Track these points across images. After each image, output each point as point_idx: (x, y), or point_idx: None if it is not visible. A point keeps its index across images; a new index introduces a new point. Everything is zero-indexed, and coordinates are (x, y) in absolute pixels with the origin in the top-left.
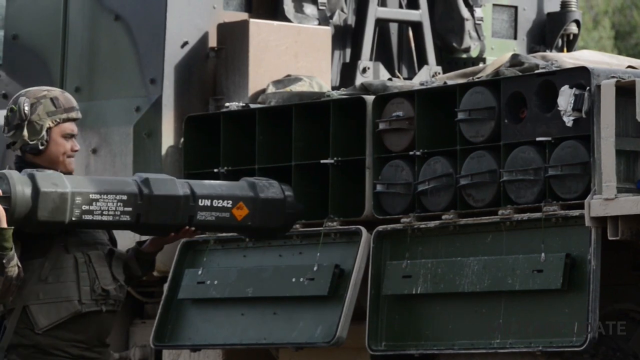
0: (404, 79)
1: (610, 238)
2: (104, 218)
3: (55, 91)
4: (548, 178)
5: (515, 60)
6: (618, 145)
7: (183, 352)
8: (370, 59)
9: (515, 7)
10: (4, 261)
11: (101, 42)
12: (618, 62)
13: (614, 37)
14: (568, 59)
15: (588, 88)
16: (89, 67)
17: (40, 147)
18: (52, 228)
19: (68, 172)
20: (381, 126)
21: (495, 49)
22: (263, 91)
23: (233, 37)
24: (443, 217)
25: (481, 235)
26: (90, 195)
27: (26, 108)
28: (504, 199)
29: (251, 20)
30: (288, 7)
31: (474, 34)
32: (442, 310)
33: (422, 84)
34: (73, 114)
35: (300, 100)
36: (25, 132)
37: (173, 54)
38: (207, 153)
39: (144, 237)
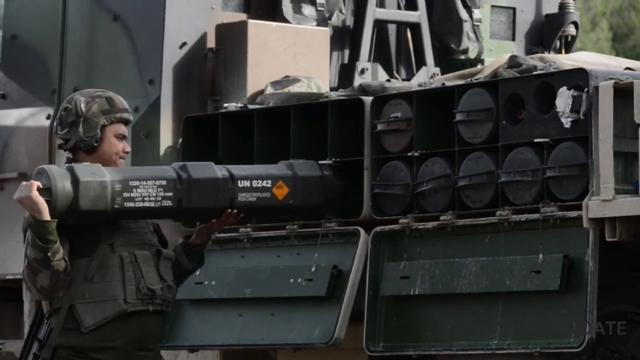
0: (402, 80)
1: (608, 239)
2: (146, 204)
3: (109, 92)
4: (546, 179)
5: (513, 62)
6: (616, 146)
7: (181, 353)
8: (369, 60)
9: (514, 9)
10: (49, 254)
11: (100, 42)
12: (616, 64)
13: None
14: (566, 61)
15: (586, 89)
16: (88, 67)
17: (95, 144)
18: (95, 218)
19: None
20: (379, 127)
21: (493, 50)
22: (261, 92)
23: (231, 38)
24: (441, 218)
25: (479, 236)
26: (130, 182)
27: (82, 105)
28: (502, 200)
29: (250, 21)
30: (286, 8)
31: (472, 35)
32: (440, 311)
33: (420, 85)
34: (126, 115)
35: (299, 101)
36: (81, 129)
37: (171, 55)
38: (206, 153)
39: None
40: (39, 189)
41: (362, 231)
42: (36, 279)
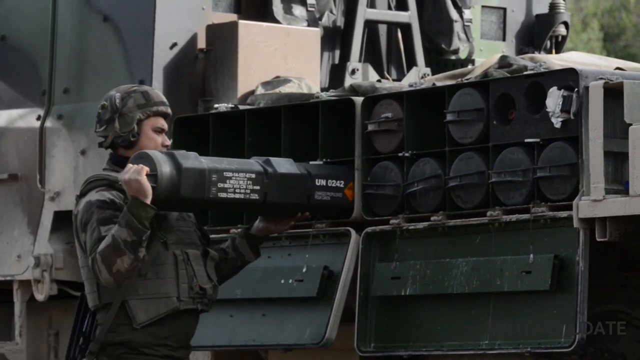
0: (393, 80)
1: (598, 239)
2: (236, 196)
3: (145, 86)
4: (536, 179)
5: (503, 62)
6: (606, 146)
7: None
8: (359, 61)
9: (504, 9)
10: (143, 238)
11: (90, 43)
12: (606, 64)
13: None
14: (556, 61)
15: (576, 89)
16: (78, 68)
17: (132, 139)
18: (193, 206)
19: None
20: (370, 127)
21: (484, 50)
22: (252, 92)
23: (222, 39)
24: (432, 218)
25: (470, 236)
26: (224, 173)
27: (117, 101)
28: (493, 201)
29: (240, 21)
30: (277, 8)
31: (462, 35)
32: (430, 312)
33: (411, 86)
34: (163, 108)
35: (290, 101)
36: (117, 125)
37: (162, 55)
38: (200, 149)
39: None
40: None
41: (353, 232)
42: (116, 261)
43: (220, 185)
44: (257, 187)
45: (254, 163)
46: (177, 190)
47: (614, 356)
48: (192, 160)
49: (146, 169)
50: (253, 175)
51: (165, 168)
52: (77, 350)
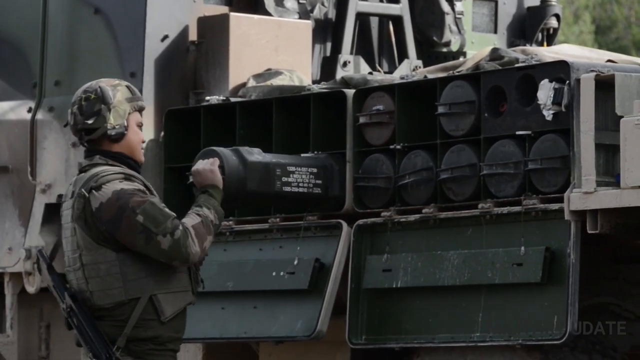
0: (385, 72)
1: (589, 231)
2: (300, 190)
3: (123, 81)
4: (528, 172)
5: (495, 54)
6: (597, 139)
7: None
8: (351, 53)
9: (496, 1)
10: (220, 224)
11: (81, 35)
12: (598, 57)
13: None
14: (548, 53)
15: (568, 82)
16: (69, 61)
17: (125, 132)
18: (259, 200)
19: (140, 163)
20: (361, 120)
21: (475, 42)
22: (243, 85)
23: (213, 31)
24: (423, 210)
25: (461, 228)
26: (288, 167)
27: (110, 93)
28: (484, 193)
29: (231, 14)
30: (268, 0)
31: (454, 28)
32: (422, 304)
33: (402, 78)
34: (143, 103)
35: (281, 94)
36: (111, 117)
37: (153, 48)
38: (188, 147)
39: None
40: None
41: (344, 224)
42: (207, 238)
43: (285, 179)
44: (320, 182)
45: (311, 157)
46: (244, 184)
47: (605, 348)
48: (256, 155)
49: (217, 161)
50: (315, 170)
51: (233, 162)
52: (108, 351)
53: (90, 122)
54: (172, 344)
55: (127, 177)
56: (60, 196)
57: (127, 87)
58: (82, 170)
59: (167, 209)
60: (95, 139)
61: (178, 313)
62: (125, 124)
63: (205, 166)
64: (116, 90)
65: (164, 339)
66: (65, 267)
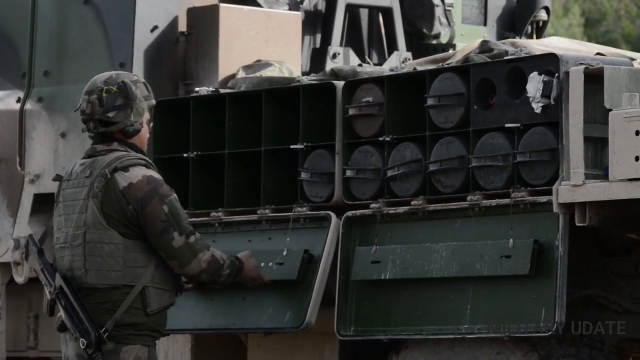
0: (374, 65)
1: (578, 224)
2: None
3: (140, 77)
4: (517, 164)
5: (485, 47)
6: (586, 132)
7: None
8: (341, 45)
9: None
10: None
11: (70, 26)
12: (587, 50)
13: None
14: (537, 46)
15: (557, 75)
16: (58, 51)
17: (141, 129)
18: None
19: None
20: (351, 112)
21: (465, 35)
22: (233, 76)
23: (203, 22)
24: (412, 203)
25: (450, 221)
26: None
27: (134, 89)
28: (473, 185)
29: (221, 5)
30: None
31: (444, 20)
32: (410, 296)
33: (392, 70)
34: (154, 101)
35: (271, 85)
36: (132, 114)
37: (143, 39)
38: (177, 138)
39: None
40: None
41: (333, 216)
42: (209, 275)
43: None
44: None
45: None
46: None
47: (593, 341)
48: None
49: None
50: None
51: None
52: (98, 331)
53: (111, 115)
54: (152, 333)
55: (150, 166)
56: (59, 176)
57: (145, 84)
58: (97, 154)
59: (190, 224)
60: (112, 132)
61: (161, 311)
62: (142, 121)
63: (255, 271)
64: (137, 87)
65: (145, 327)
66: (60, 244)
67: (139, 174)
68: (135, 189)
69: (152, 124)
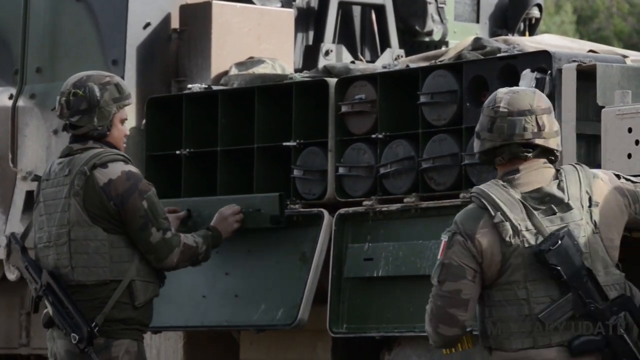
0: (367, 61)
1: None
2: None
3: (115, 77)
4: None
5: (477, 44)
6: (579, 129)
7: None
8: (333, 42)
9: None
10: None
11: (63, 22)
12: (579, 47)
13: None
14: (530, 43)
15: (549, 72)
16: (51, 48)
17: (107, 132)
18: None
19: None
20: (344, 109)
21: (457, 32)
22: (225, 73)
23: (196, 19)
24: (405, 200)
25: (442, 218)
26: None
27: (97, 94)
28: (466, 182)
29: (214, 1)
30: None
31: (436, 17)
32: (403, 293)
33: (384, 67)
34: (130, 100)
35: (263, 82)
36: (95, 118)
37: (135, 35)
38: (169, 135)
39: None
40: None
41: (325, 213)
42: (186, 263)
43: None
44: None
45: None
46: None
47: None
48: None
49: (239, 211)
50: None
51: None
52: (89, 326)
53: (74, 119)
54: (141, 327)
55: (128, 161)
56: (37, 177)
57: (116, 85)
58: (73, 152)
59: (167, 220)
60: (80, 134)
61: (146, 303)
62: (110, 124)
63: (228, 213)
64: (104, 89)
65: (134, 322)
66: (42, 243)
67: (117, 169)
68: (115, 184)
69: (144, 120)
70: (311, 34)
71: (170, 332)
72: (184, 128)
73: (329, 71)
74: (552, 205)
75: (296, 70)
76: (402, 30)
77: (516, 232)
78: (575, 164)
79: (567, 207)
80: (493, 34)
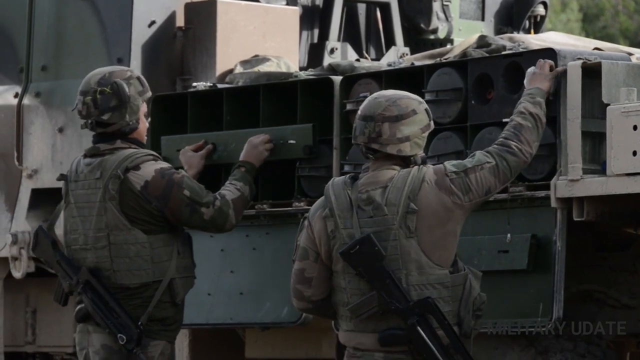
0: (372, 59)
1: (575, 219)
2: None
3: (134, 70)
4: None
5: (482, 42)
6: (584, 126)
7: None
8: (338, 40)
9: None
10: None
11: (68, 20)
12: (585, 45)
13: (582, 19)
14: (535, 41)
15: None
16: (56, 46)
17: (137, 126)
18: None
19: None
20: (348, 107)
21: (462, 30)
22: (231, 71)
23: (201, 17)
24: None
25: None
26: None
27: (127, 89)
28: None
29: (219, 0)
30: None
31: (441, 15)
32: None
33: (389, 65)
34: (150, 93)
35: (268, 80)
36: (127, 114)
37: (140, 33)
38: (174, 133)
39: None
40: None
41: None
42: (242, 210)
43: None
44: None
45: None
46: None
47: (590, 335)
48: None
49: (267, 137)
50: None
51: None
52: (138, 326)
53: (105, 117)
54: (176, 325)
55: (157, 158)
56: (64, 175)
57: (138, 78)
58: (100, 153)
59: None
60: (110, 132)
61: (184, 299)
62: (139, 117)
63: (258, 142)
64: (130, 84)
65: (172, 320)
66: (78, 245)
67: (150, 170)
68: (152, 186)
69: (149, 118)
70: (316, 31)
71: None
72: (189, 126)
73: (334, 69)
74: (371, 209)
75: (301, 68)
76: (407, 28)
77: (337, 228)
78: (419, 165)
79: (381, 212)
80: (498, 31)
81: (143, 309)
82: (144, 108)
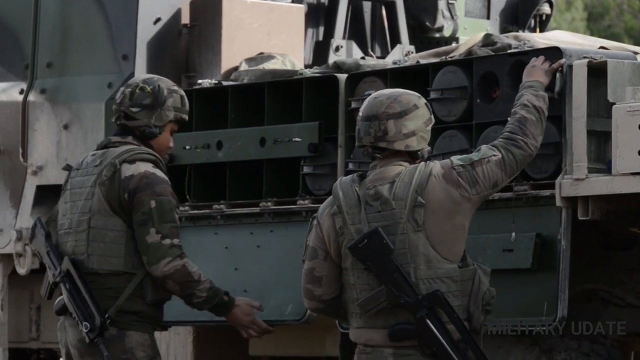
0: (377, 57)
1: (580, 218)
2: None
3: (182, 90)
4: None
5: (487, 40)
6: (589, 125)
7: None
8: (344, 38)
9: None
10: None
11: (73, 17)
12: (590, 43)
13: (587, 18)
14: (540, 40)
15: (560, 68)
16: (61, 43)
17: (157, 134)
18: None
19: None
20: (354, 105)
21: (468, 28)
22: (236, 69)
23: (206, 14)
24: None
25: None
26: None
27: (165, 95)
28: None
29: None
30: None
31: (447, 13)
32: None
33: (394, 63)
34: (186, 117)
35: (273, 78)
36: (153, 117)
37: (145, 31)
38: (179, 130)
39: None
40: None
41: None
42: (177, 285)
43: None
44: None
45: None
46: None
47: (595, 335)
48: None
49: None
50: None
51: None
52: (102, 317)
53: (134, 110)
54: (153, 321)
55: (159, 166)
56: (69, 166)
57: (181, 97)
58: (111, 144)
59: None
60: (131, 127)
61: (158, 303)
62: (162, 126)
63: (248, 318)
64: (171, 95)
65: (146, 315)
66: (64, 229)
67: (142, 168)
68: (132, 180)
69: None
70: (321, 29)
71: (180, 327)
72: (194, 123)
73: (339, 67)
74: (379, 204)
75: (306, 66)
76: (413, 27)
77: (345, 224)
78: (425, 160)
79: (389, 207)
80: (503, 30)
81: (114, 300)
82: (172, 126)
